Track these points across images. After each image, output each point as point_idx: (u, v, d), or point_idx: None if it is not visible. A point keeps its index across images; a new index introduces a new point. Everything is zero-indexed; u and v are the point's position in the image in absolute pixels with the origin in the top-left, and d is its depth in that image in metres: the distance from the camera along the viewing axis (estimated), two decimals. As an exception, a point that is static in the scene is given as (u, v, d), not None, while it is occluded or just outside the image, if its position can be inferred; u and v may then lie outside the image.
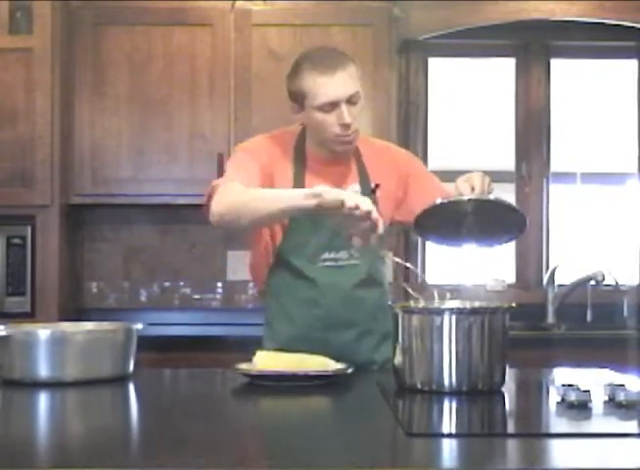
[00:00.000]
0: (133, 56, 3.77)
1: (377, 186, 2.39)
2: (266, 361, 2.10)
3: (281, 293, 2.42)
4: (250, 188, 2.26)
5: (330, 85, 2.27)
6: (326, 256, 2.37)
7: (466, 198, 2.14)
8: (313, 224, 2.32)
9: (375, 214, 2.00)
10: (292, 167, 2.38)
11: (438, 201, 2.14)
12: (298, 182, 2.37)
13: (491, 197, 2.17)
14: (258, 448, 1.50)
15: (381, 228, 2.02)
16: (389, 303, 2.10)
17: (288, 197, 2.14)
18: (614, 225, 4.31)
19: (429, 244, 3.92)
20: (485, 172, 2.23)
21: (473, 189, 2.17)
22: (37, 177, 3.61)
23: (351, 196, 2.02)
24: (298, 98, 2.33)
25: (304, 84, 2.30)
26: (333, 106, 2.28)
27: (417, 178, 2.49)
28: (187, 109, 3.76)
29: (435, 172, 2.61)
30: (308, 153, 2.41)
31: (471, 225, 2.18)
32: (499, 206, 2.17)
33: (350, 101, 2.29)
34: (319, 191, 2.06)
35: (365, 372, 2.27)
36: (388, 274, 2.49)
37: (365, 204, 1.99)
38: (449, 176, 2.44)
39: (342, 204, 1.99)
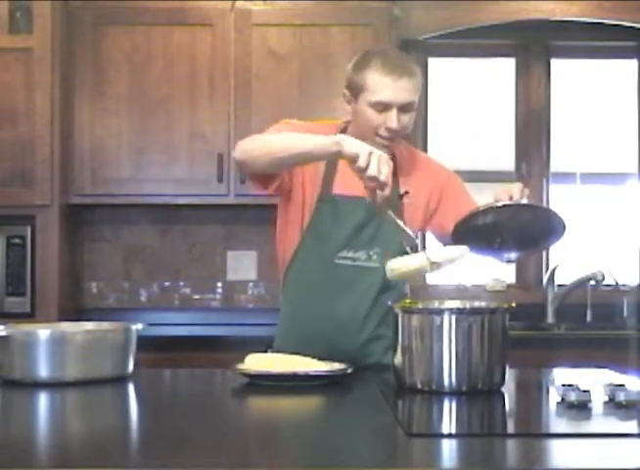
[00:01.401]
0: (133, 56, 3.77)
1: (405, 193, 2.39)
2: (255, 364, 2.09)
3: (295, 293, 2.41)
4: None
5: (391, 88, 2.29)
6: (344, 253, 2.36)
7: (501, 203, 2.13)
8: (335, 219, 2.34)
9: (383, 178, 2.01)
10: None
11: (476, 209, 2.14)
12: (329, 173, 2.37)
13: (529, 201, 2.16)
14: (258, 448, 1.50)
15: (387, 191, 2.03)
16: (389, 302, 2.10)
17: (315, 139, 2.15)
18: (614, 225, 4.31)
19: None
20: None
21: (511, 198, 2.16)
22: (37, 177, 3.61)
23: (366, 155, 2.01)
24: (356, 89, 2.34)
25: (368, 78, 2.31)
26: (385, 107, 2.31)
27: (452, 193, 2.48)
28: (187, 109, 3.77)
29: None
30: None
31: (508, 234, 2.16)
32: (536, 211, 2.16)
33: (403, 108, 2.31)
34: (342, 141, 2.08)
35: (366, 373, 2.27)
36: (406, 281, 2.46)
37: (372, 168, 2.00)
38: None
39: (356, 159, 2.02)
